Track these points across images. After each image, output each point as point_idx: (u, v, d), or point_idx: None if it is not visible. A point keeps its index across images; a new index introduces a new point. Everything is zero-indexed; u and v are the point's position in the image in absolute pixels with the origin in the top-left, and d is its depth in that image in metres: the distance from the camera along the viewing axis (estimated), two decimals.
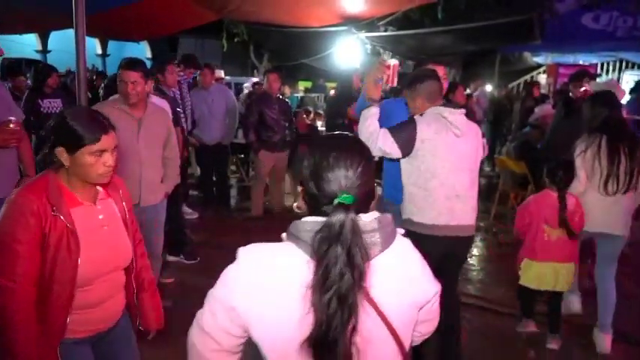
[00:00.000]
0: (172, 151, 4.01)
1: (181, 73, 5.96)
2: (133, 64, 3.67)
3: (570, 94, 5.51)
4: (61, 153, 1.89)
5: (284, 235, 1.35)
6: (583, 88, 5.22)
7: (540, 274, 3.73)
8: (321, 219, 1.27)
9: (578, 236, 3.70)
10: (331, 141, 1.41)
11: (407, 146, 2.98)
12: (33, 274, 1.84)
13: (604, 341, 3.81)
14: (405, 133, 2.99)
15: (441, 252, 2.97)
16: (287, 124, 6.50)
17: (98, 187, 2.07)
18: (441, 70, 3.35)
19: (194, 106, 6.24)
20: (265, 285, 1.28)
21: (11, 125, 3.24)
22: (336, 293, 1.19)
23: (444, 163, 2.98)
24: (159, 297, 2.43)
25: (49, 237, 1.84)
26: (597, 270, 3.98)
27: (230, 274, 1.37)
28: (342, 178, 1.29)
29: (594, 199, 3.67)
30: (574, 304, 4.28)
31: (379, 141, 2.96)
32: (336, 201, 1.25)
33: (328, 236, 1.22)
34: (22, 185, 1.89)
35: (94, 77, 11.20)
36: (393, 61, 3.21)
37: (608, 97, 3.87)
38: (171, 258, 5.16)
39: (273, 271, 1.30)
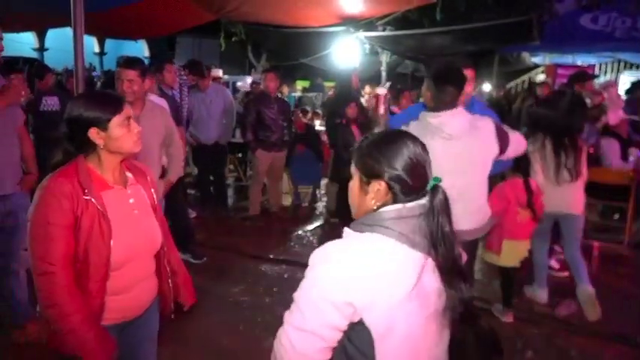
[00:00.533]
0: (176, 149, 4.04)
1: (184, 77, 5.98)
2: (130, 62, 3.68)
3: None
4: (95, 133, 1.93)
5: (348, 229, 1.50)
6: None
7: (518, 251, 4.09)
8: (403, 205, 1.45)
9: (539, 218, 4.12)
10: (406, 138, 1.53)
11: None
12: (69, 257, 1.87)
13: (587, 289, 4.24)
14: None
15: None
16: (285, 124, 6.49)
17: (128, 173, 2.12)
18: (470, 73, 3.24)
19: (192, 106, 6.24)
20: (373, 274, 1.39)
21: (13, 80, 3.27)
22: (450, 258, 1.47)
23: (435, 167, 2.94)
24: (188, 273, 2.51)
25: (81, 220, 1.87)
26: (566, 252, 4.51)
27: (335, 274, 1.40)
28: (429, 166, 1.54)
29: (550, 187, 4.17)
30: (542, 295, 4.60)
31: None
32: (432, 183, 1.48)
33: (433, 212, 1.44)
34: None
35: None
36: (382, 91, 3.21)
37: (553, 101, 4.42)
38: (181, 257, 5.14)
39: (374, 261, 1.40)
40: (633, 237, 6.03)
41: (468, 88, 3.20)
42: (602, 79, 11.29)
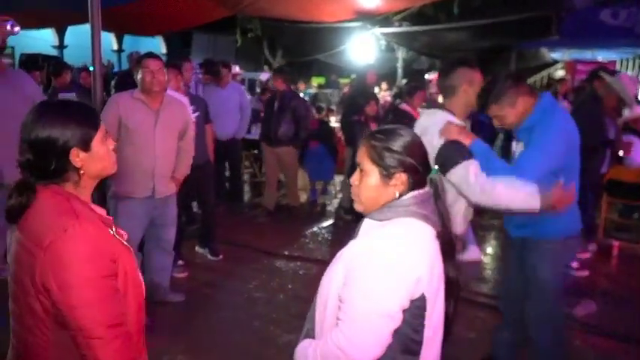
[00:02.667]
0: (189, 144, 4.07)
1: (200, 76, 6.02)
2: (154, 54, 3.76)
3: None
4: (76, 155, 1.52)
5: (371, 220, 1.65)
6: None
7: None
8: (419, 191, 1.64)
9: None
10: (414, 134, 1.73)
11: None
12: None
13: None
14: None
15: None
16: (292, 119, 6.44)
17: None
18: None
19: (209, 102, 6.25)
20: (421, 249, 1.58)
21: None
22: (450, 234, 1.70)
23: None
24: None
25: (118, 264, 1.52)
26: None
27: (402, 257, 1.53)
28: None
29: None
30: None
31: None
32: (434, 171, 1.70)
33: (438, 193, 1.68)
34: (60, 223, 1.44)
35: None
36: (431, 76, 3.07)
37: None
38: (199, 250, 5.31)
39: (417, 239, 1.59)
40: None
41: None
42: (620, 75, 11.09)
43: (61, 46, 20.00)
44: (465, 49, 12.30)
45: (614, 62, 12.03)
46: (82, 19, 6.95)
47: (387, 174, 1.62)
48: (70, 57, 15.23)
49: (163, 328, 3.67)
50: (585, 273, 5.01)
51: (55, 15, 8.13)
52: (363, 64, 12.67)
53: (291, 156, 6.67)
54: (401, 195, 1.63)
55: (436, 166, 1.76)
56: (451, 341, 3.29)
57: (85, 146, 1.54)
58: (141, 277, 1.66)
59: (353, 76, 9.20)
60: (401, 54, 13.17)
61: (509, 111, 2.74)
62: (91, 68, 4.19)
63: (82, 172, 1.54)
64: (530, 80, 13.38)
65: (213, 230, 5.33)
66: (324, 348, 1.55)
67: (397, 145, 1.63)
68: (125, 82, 6.68)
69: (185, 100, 4.42)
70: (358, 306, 1.50)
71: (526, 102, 2.73)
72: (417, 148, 1.67)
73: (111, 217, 1.66)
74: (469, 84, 2.82)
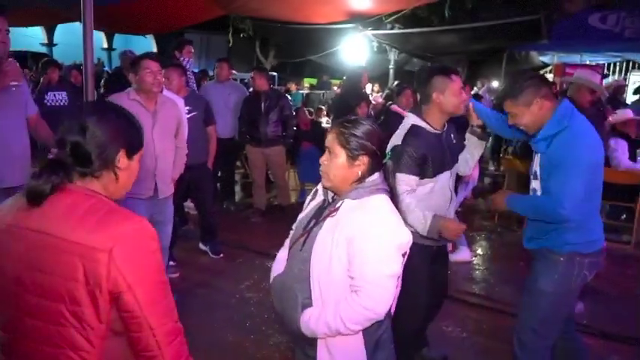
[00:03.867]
0: (182, 143, 4.09)
1: (182, 59, 5.83)
2: (153, 54, 3.78)
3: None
4: (122, 157, 1.51)
5: (348, 200, 1.95)
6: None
7: None
8: (380, 172, 2.01)
9: None
10: (374, 123, 2.06)
11: None
12: None
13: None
14: None
15: None
16: (280, 119, 6.42)
17: None
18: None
19: (211, 99, 6.20)
20: (399, 217, 1.99)
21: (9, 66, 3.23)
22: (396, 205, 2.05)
23: None
24: None
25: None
26: None
27: (393, 225, 1.92)
28: None
29: None
30: None
31: None
32: (388, 155, 2.03)
33: (390, 174, 2.02)
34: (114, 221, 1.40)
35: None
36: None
37: None
38: (202, 247, 5.38)
39: (392, 208, 1.98)
40: None
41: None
42: (610, 79, 11.22)
43: (51, 44, 19.90)
44: (456, 51, 12.38)
45: (602, 66, 12.16)
46: (73, 18, 6.93)
47: (352, 156, 1.95)
48: (60, 55, 15.17)
49: None
50: None
51: (46, 13, 8.08)
52: (355, 65, 12.71)
53: (281, 155, 6.67)
54: (363, 175, 1.97)
55: (389, 153, 2.04)
56: (442, 341, 3.31)
57: (131, 154, 1.54)
58: None
59: (345, 77, 9.19)
60: (393, 56, 13.21)
61: (524, 110, 2.64)
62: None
63: (119, 174, 1.51)
64: None
65: (215, 229, 5.36)
66: (348, 311, 1.86)
67: (360, 132, 1.96)
68: (116, 81, 6.65)
69: (178, 99, 4.41)
70: (375, 273, 1.86)
71: (543, 105, 2.61)
72: (376, 136, 1.99)
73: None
74: (440, 92, 2.88)
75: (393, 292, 1.92)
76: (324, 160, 2.02)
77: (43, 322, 1.37)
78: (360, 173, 1.96)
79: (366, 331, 1.95)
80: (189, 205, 6.33)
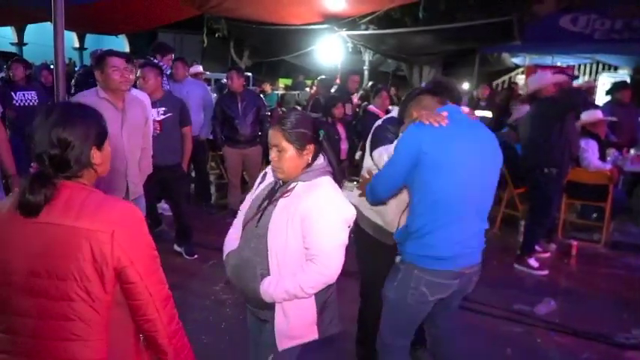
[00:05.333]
0: (147, 142, 4.03)
1: (161, 63, 5.82)
2: (118, 51, 3.67)
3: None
4: (95, 153, 1.69)
5: (303, 182, 2.21)
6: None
7: None
8: (323, 157, 2.29)
9: None
10: (302, 112, 2.30)
11: None
12: None
13: None
14: None
15: None
16: (255, 120, 6.39)
17: None
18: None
19: None
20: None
21: None
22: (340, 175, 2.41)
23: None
24: None
25: None
26: None
27: (341, 201, 2.20)
28: None
29: None
30: None
31: None
32: (323, 133, 2.29)
33: (327, 152, 2.31)
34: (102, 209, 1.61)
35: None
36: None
37: None
38: (177, 248, 5.34)
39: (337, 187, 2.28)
40: (610, 236, 6.14)
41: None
42: (580, 80, 11.42)
43: (21, 44, 19.52)
44: (430, 52, 12.46)
45: (572, 67, 12.39)
46: (44, 17, 6.80)
47: (299, 147, 2.18)
48: (30, 55, 14.87)
49: None
50: (545, 272, 5.15)
51: (16, 13, 7.92)
52: (329, 65, 12.72)
53: (259, 156, 6.65)
54: (313, 160, 2.22)
55: (322, 131, 2.27)
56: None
57: (101, 145, 1.71)
58: None
59: (322, 76, 9.17)
60: (367, 56, 13.26)
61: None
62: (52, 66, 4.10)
63: (97, 168, 1.71)
64: (493, 84, 13.68)
65: (189, 230, 5.32)
66: (305, 277, 2.13)
67: (297, 123, 2.19)
68: (86, 81, 6.54)
69: (145, 97, 4.36)
70: (328, 243, 2.14)
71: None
72: (309, 121, 2.26)
73: None
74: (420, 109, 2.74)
75: (343, 259, 2.19)
76: (273, 157, 2.22)
77: (55, 301, 1.57)
78: (309, 159, 2.22)
79: (316, 294, 2.22)
80: (163, 206, 6.27)
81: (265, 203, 2.27)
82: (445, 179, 2.41)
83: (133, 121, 3.72)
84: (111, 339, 1.64)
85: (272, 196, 2.28)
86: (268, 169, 2.40)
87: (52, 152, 1.60)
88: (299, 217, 2.13)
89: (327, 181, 2.22)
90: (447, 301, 2.68)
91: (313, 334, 2.30)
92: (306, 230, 2.14)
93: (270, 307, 2.23)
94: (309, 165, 2.23)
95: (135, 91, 4.28)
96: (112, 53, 3.63)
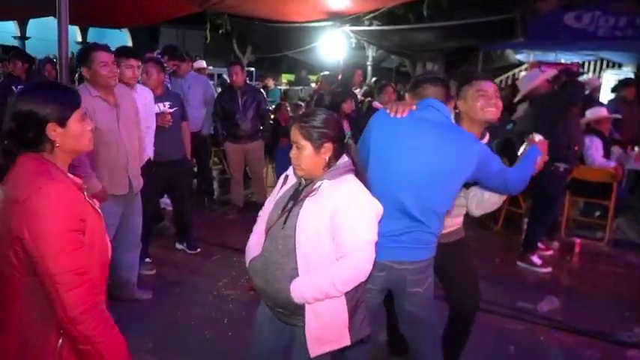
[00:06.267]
0: (141, 130, 4.02)
1: (165, 65, 5.83)
2: (102, 45, 3.57)
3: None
4: (53, 129, 1.74)
5: (328, 181, 2.20)
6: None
7: None
8: (345, 155, 2.29)
9: None
10: (327, 112, 2.29)
11: None
12: (89, 263, 1.76)
13: None
14: None
15: None
16: (255, 115, 6.38)
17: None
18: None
19: None
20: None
21: None
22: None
23: None
24: None
25: (86, 222, 1.74)
26: None
27: (369, 198, 2.23)
28: None
29: None
30: None
31: None
32: (348, 135, 2.22)
33: (352, 153, 2.33)
34: (30, 180, 1.66)
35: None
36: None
37: None
38: (179, 246, 5.31)
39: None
40: (614, 234, 6.12)
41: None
42: (585, 78, 11.38)
43: (23, 38, 19.51)
44: (433, 49, 12.45)
45: (576, 64, 12.34)
46: (47, 12, 6.79)
47: (317, 145, 2.18)
48: (32, 49, 14.85)
49: (131, 326, 3.62)
50: (548, 270, 5.14)
51: (19, 8, 7.90)
52: (333, 60, 12.70)
53: (261, 150, 6.65)
54: (330, 160, 2.21)
55: (348, 132, 2.18)
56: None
57: (62, 123, 1.75)
58: (107, 238, 1.90)
59: (326, 72, 9.12)
60: (371, 52, 13.24)
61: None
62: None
63: (57, 145, 1.76)
64: (496, 81, 13.64)
65: (191, 228, 5.31)
66: (338, 274, 2.12)
67: (318, 122, 2.19)
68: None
69: (148, 92, 4.38)
70: (360, 240, 2.14)
71: None
72: (332, 122, 2.24)
73: (82, 184, 1.86)
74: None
75: (374, 254, 2.19)
76: (293, 154, 2.25)
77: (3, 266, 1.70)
78: (327, 159, 2.21)
79: (347, 295, 2.20)
80: (165, 201, 6.27)
81: (290, 204, 2.27)
82: (372, 169, 2.59)
83: (126, 114, 3.70)
84: (23, 307, 1.71)
85: (297, 196, 2.28)
86: (289, 171, 2.41)
87: (9, 127, 1.72)
88: (328, 214, 2.14)
89: (352, 179, 2.23)
90: (397, 301, 2.78)
91: (345, 340, 2.26)
92: (336, 227, 2.14)
93: (301, 311, 2.20)
94: (332, 164, 2.23)
95: (139, 87, 4.28)
96: (97, 47, 3.51)
